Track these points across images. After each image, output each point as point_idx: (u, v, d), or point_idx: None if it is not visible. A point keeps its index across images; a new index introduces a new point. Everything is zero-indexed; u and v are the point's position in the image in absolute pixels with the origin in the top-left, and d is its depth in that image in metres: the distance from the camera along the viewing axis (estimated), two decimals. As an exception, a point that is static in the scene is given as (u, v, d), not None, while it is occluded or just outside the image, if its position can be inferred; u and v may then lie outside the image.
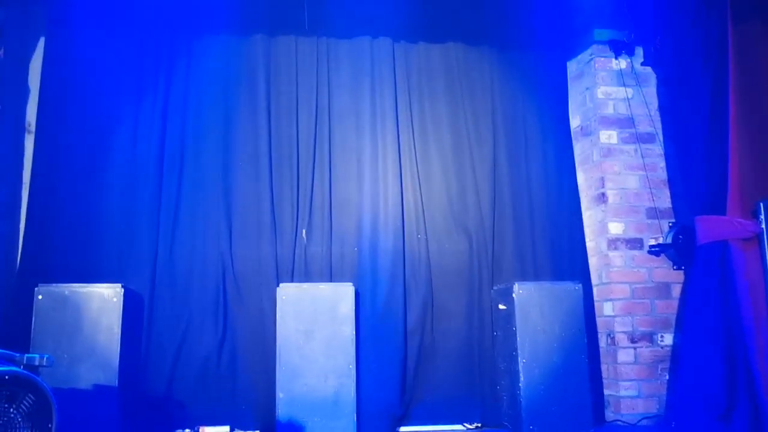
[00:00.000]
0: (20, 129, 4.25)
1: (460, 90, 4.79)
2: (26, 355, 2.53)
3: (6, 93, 4.03)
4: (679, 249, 4.42)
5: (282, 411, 3.82)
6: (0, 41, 4.02)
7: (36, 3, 4.32)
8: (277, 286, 4.06)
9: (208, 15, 4.45)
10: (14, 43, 4.17)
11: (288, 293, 3.98)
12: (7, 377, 2.30)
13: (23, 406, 2.32)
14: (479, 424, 4.33)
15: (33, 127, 4.26)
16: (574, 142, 4.96)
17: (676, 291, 4.54)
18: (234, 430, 4.10)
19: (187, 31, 4.50)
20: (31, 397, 2.34)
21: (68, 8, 4.32)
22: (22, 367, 2.44)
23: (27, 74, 4.31)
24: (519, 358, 4.03)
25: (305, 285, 4.09)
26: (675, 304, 4.52)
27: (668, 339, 4.49)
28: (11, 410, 2.30)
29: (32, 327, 3.62)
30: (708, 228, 3.74)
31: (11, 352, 2.52)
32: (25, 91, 4.30)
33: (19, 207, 4.18)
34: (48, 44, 4.34)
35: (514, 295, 4.11)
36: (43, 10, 4.35)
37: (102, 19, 4.35)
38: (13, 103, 4.16)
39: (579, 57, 4.96)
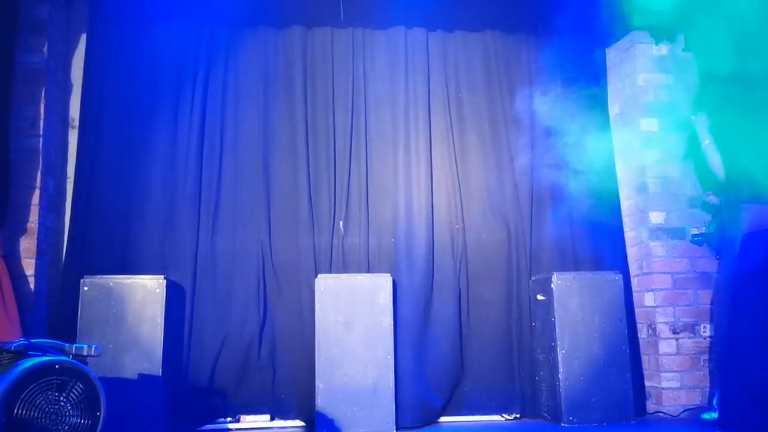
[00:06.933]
0: (65, 124, 4.35)
1: (497, 78, 4.75)
2: (75, 345, 2.61)
3: (51, 89, 4.12)
4: (723, 238, 4.33)
5: (321, 401, 3.85)
6: (44, 38, 4.11)
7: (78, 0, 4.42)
8: (316, 276, 4.09)
9: (247, 8, 4.51)
10: (57, 39, 4.26)
11: (326, 284, 4.00)
12: (57, 366, 2.37)
13: (72, 395, 2.39)
14: (518, 415, 4.32)
15: (76, 122, 4.35)
16: (613, 130, 4.89)
17: (720, 281, 4.45)
18: (274, 419, 4.16)
19: (226, 25, 4.54)
20: (80, 386, 2.41)
21: (109, 5, 4.40)
22: (71, 356, 2.51)
23: (70, 70, 4.41)
24: (558, 349, 4.01)
25: (343, 276, 4.11)
26: (718, 294, 4.44)
27: (711, 330, 4.41)
28: (61, 398, 2.36)
29: (78, 317, 3.71)
30: (754, 217, 3.68)
31: (60, 342, 2.60)
32: (68, 87, 4.40)
33: (65, 200, 4.28)
34: (89, 40, 4.42)
35: (552, 285, 4.08)
36: (84, 7, 4.44)
37: (142, 14, 4.43)
38: (57, 98, 4.25)
39: (618, 43, 4.87)
